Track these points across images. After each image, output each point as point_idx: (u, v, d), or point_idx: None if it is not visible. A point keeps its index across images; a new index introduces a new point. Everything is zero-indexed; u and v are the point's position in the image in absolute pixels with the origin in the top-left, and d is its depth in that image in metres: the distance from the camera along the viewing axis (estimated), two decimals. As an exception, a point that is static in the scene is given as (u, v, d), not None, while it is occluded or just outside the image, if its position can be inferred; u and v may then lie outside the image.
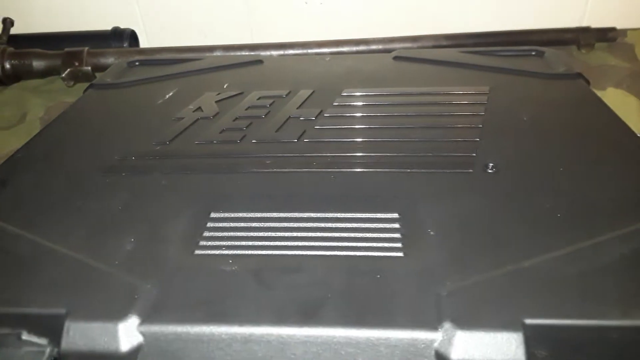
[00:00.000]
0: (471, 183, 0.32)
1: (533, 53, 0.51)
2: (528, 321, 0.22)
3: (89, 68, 0.68)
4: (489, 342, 0.22)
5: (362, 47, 0.70)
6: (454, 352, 0.22)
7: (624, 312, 0.22)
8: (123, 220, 0.30)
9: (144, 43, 0.77)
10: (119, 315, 0.24)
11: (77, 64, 0.68)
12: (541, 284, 0.24)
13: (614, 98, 0.60)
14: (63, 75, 0.68)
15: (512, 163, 0.34)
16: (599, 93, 0.61)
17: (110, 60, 0.67)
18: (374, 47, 0.70)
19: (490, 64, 0.48)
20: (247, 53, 0.68)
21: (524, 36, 0.69)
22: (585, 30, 0.71)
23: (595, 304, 0.23)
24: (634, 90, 0.61)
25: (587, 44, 0.70)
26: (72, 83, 0.68)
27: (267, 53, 0.70)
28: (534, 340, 0.22)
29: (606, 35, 0.71)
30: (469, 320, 0.22)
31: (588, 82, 0.45)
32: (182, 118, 0.42)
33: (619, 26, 0.71)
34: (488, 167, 0.33)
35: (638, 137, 0.36)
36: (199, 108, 0.43)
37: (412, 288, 0.25)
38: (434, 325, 0.23)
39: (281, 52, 0.71)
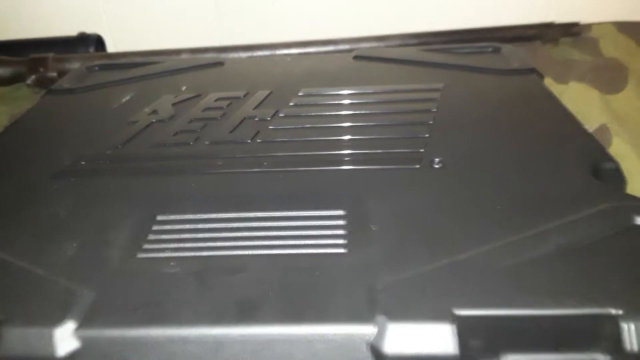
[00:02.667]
0: (418, 179, 0.33)
1: (490, 49, 0.51)
2: (459, 312, 0.22)
3: (55, 74, 0.67)
4: (421, 334, 0.22)
5: (329, 47, 0.71)
6: (387, 345, 0.22)
7: (556, 301, 0.23)
8: (68, 225, 0.30)
9: (111, 48, 0.77)
10: (56, 320, 0.24)
11: (42, 70, 0.68)
12: (475, 276, 0.24)
13: (576, 92, 0.61)
14: (28, 82, 0.67)
15: (458, 158, 0.34)
16: (561, 87, 0.63)
17: (76, 65, 0.67)
18: (341, 47, 0.70)
19: (447, 61, 0.49)
20: (214, 55, 0.68)
21: (489, 33, 0.70)
22: (549, 25, 0.72)
23: (528, 294, 0.23)
24: (596, 84, 0.61)
25: (551, 39, 0.71)
26: (37, 89, 0.68)
27: (235, 55, 0.70)
28: (467, 332, 0.23)
29: (570, 30, 0.72)
30: (401, 313, 0.23)
31: (542, 77, 0.46)
32: (137, 121, 0.41)
33: (583, 21, 0.72)
34: (435, 163, 0.33)
35: (585, 130, 0.37)
36: (155, 111, 0.43)
37: (350, 283, 0.25)
38: (368, 319, 0.23)
39: (249, 53, 0.71)
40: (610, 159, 0.33)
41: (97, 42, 0.73)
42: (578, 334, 0.22)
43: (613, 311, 0.22)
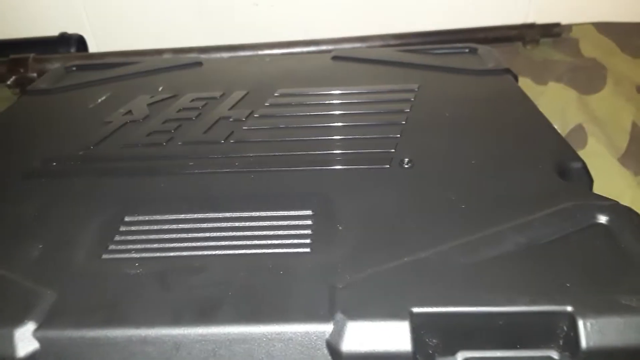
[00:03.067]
0: (387, 178, 0.33)
1: (466, 50, 0.52)
2: (416, 310, 0.23)
3: (35, 74, 0.67)
4: (378, 332, 0.22)
5: (312, 48, 0.71)
6: (344, 343, 0.22)
7: (510, 298, 0.23)
8: (35, 226, 0.30)
9: (93, 49, 0.77)
10: (15, 321, 0.24)
11: (22, 70, 0.67)
12: (433, 274, 0.25)
13: (555, 92, 0.61)
14: (8, 82, 0.67)
15: (427, 158, 0.34)
16: (540, 88, 0.63)
17: (56, 66, 0.66)
18: (323, 47, 0.70)
19: (424, 62, 0.49)
20: (195, 55, 0.68)
21: (470, 34, 0.70)
22: (530, 26, 0.72)
23: (482, 291, 0.23)
24: (574, 84, 0.62)
25: (532, 40, 0.71)
26: (18, 90, 0.67)
27: (217, 55, 0.70)
28: (423, 329, 0.23)
29: (551, 31, 0.72)
30: (358, 311, 0.23)
31: (516, 77, 0.46)
32: (111, 122, 0.41)
33: (563, 21, 0.73)
34: (404, 163, 0.34)
35: (554, 129, 0.37)
36: (129, 111, 0.43)
37: (312, 282, 0.25)
38: (326, 318, 0.23)
39: (231, 54, 0.71)
40: (577, 158, 0.34)
41: (79, 42, 0.73)
42: (533, 331, 0.23)
43: (568, 308, 0.23)
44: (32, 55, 0.68)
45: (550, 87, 0.62)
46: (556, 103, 0.59)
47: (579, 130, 0.53)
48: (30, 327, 0.23)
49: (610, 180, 0.46)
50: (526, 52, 0.71)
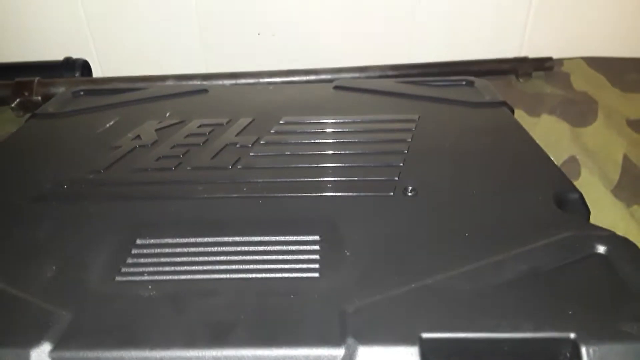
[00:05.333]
0: (391, 206, 0.34)
1: (464, 83, 0.54)
2: (425, 335, 0.23)
3: (39, 98, 0.68)
4: (388, 356, 0.23)
5: (312, 77, 0.73)
6: (356, 368, 0.23)
7: (514, 325, 0.24)
8: (47, 248, 0.31)
9: (97, 73, 0.78)
10: (31, 342, 0.24)
11: (27, 94, 0.68)
12: (440, 300, 0.25)
13: (547, 124, 0.63)
14: (13, 105, 0.68)
15: (430, 187, 0.35)
16: (533, 120, 0.65)
17: (61, 90, 0.68)
18: (323, 76, 0.72)
19: (423, 93, 0.51)
20: (199, 82, 0.70)
21: (464, 66, 0.73)
22: (523, 60, 0.75)
23: (488, 317, 0.24)
24: (566, 117, 0.64)
25: (524, 73, 0.74)
26: (21, 113, 0.68)
27: (219, 82, 0.71)
28: (431, 354, 0.23)
29: (543, 65, 0.75)
30: (369, 336, 0.24)
31: (512, 110, 0.48)
32: (120, 146, 0.42)
33: (555, 56, 0.75)
34: (407, 191, 0.35)
35: (551, 161, 0.39)
36: (138, 136, 0.44)
37: (322, 307, 0.26)
38: (337, 342, 0.24)
39: (233, 81, 0.72)
40: (574, 189, 0.35)
41: (83, 66, 0.74)
42: (537, 356, 0.24)
43: (571, 335, 0.23)
44: (37, 78, 0.69)
45: (543, 119, 0.64)
46: (549, 135, 0.60)
47: (573, 161, 0.55)
48: (46, 348, 0.24)
49: (603, 211, 0.47)
50: (519, 85, 0.73)
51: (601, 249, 0.29)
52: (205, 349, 0.24)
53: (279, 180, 0.37)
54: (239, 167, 0.39)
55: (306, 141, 0.43)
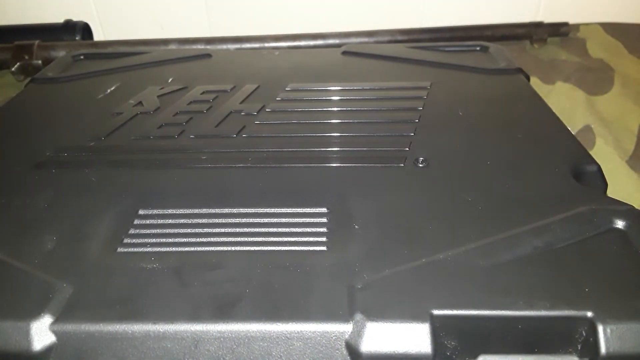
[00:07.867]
0: (402, 178, 0.33)
1: (478, 48, 0.51)
2: (436, 312, 0.23)
3: (40, 62, 0.66)
4: (398, 333, 0.22)
5: (319, 41, 0.70)
6: (364, 344, 0.22)
7: (529, 303, 0.23)
8: (48, 217, 0.30)
9: (99, 36, 0.76)
10: (32, 314, 0.23)
11: (27, 57, 0.67)
12: (452, 276, 0.25)
13: (562, 92, 0.61)
14: (13, 69, 0.66)
15: (442, 158, 0.34)
16: (547, 87, 0.63)
17: (61, 53, 0.66)
18: (330, 41, 0.70)
19: (435, 59, 0.49)
20: (202, 47, 0.68)
21: (478, 31, 0.70)
22: (538, 25, 0.72)
23: (502, 295, 0.23)
24: (582, 84, 0.62)
25: (539, 38, 0.71)
26: (22, 77, 0.67)
27: (223, 47, 0.69)
28: (442, 331, 0.23)
29: (558, 30, 0.72)
30: (379, 312, 0.23)
31: (528, 77, 0.46)
32: (121, 113, 0.41)
33: (571, 21, 0.72)
34: (419, 162, 0.34)
35: (568, 132, 0.37)
36: (140, 102, 0.43)
37: (330, 282, 0.25)
38: (345, 318, 0.23)
39: (237, 45, 0.70)
40: (592, 161, 0.34)
41: (84, 29, 0.72)
42: (552, 335, 0.23)
43: (588, 314, 0.23)
44: (37, 42, 0.67)
45: (558, 87, 0.62)
46: (564, 103, 0.58)
47: (588, 131, 0.53)
48: (47, 320, 0.23)
49: (618, 182, 0.46)
50: (533, 51, 0.71)
51: (620, 223, 0.28)
52: (209, 323, 0.23)
53: (285, 149, 0.36)
54: (243, 135, 0.38)
55: (313, 109, 0.42)
